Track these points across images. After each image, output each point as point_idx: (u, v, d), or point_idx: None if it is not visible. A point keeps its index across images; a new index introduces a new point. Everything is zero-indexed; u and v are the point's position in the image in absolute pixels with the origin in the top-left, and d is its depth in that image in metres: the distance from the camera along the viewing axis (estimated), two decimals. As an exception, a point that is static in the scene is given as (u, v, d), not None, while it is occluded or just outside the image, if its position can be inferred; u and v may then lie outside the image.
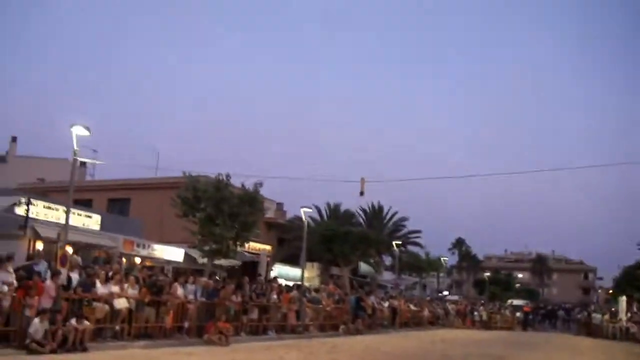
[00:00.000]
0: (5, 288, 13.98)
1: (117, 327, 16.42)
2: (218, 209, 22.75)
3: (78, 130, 17.85)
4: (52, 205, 26.71)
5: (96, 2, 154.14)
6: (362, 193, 26.21)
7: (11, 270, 14.81)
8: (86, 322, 14.80)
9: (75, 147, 18.17)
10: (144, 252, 26.31)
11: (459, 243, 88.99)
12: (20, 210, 24.32)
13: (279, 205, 45.76)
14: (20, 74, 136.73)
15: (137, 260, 26.24)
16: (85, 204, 31.98)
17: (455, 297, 68.76)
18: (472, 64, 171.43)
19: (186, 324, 18.48)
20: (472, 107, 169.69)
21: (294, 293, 24.72)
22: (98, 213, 29.34)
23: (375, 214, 49.46)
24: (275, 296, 23.30)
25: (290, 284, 30.05)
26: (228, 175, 23.99)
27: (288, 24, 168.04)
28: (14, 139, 52.16)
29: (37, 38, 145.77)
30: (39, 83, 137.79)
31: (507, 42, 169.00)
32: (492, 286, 68.27)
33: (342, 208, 46.23)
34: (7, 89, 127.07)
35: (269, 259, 37.81)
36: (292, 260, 40.42)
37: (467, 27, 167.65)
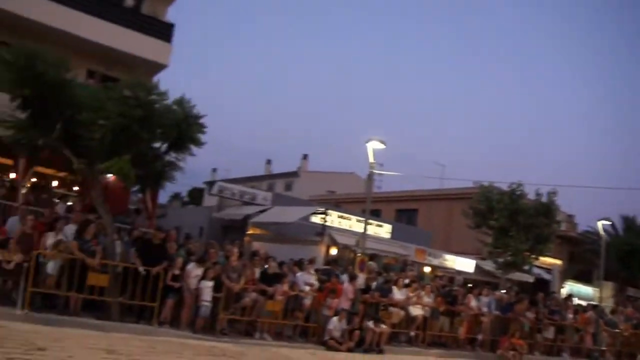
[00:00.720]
0: (307, 288, 14.87)
1: (412, 333, 16.59)
2: (512, 220, 21.88)
3: (374, 145, 18.50)
4: (345, 215, 28.27)
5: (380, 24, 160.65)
6: None
7: (313, 272, 15.73)
8: (383, 326, 15.15)
9: (371, 161, 18.87)
10: (435, 262, 26.47)
11: None
12: (315, 219, 26.03)
13: (570, 217, 43.03)
14: (307, 99, 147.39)
15: (426, 269, 26.46)
16: (374, 214, 33.19)
17: None
18: None
19: (480, 337, 18.03)
20: None
21: (590, 314, 22.84)
22: (388, 222, 30.22)
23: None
24: (570, 315, 21.73)
25: (582, 303, 27.91)
26: (520, 185, 23.01)
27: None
28: (304, 157, 56.60)
29: (324, 62, 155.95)
30: (324, 105, 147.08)
31: None
32: None
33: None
34: (300, 113, 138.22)
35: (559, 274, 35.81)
36: (582, 278, 37.76)
37: None
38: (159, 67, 20.52)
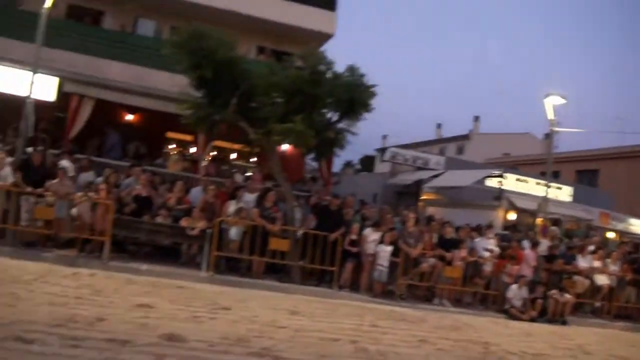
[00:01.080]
0: (486, 254, 14.35)
1: (597, 304, 15.58)
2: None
3: (553, 100, 17.44)
4: (522, 177, 27.18)
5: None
6: None
7: (492, 237, 15.14)
8: (567, 295, 14.36)
9: (551, 118, 17.83)
10: (619, 226, 24.81)
11: None
12: (491, 183, 25.25)
13: None
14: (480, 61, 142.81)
15: (609, 234, 24.87)
16: (553, 176, 31.62)
17: None
18: None
19: (668, 309, 16.54)
20: None
21: None
22: (568, 185, 28.72)
23: None
24: None
25: None
26: None
27: None
28: (476, 118, 55.09)
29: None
30: (499, 67, 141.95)
31: None
32: None
33: None
34: (472, 76, 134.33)
35: None
36: None
37: None
38: (325, 37, 20.73)
